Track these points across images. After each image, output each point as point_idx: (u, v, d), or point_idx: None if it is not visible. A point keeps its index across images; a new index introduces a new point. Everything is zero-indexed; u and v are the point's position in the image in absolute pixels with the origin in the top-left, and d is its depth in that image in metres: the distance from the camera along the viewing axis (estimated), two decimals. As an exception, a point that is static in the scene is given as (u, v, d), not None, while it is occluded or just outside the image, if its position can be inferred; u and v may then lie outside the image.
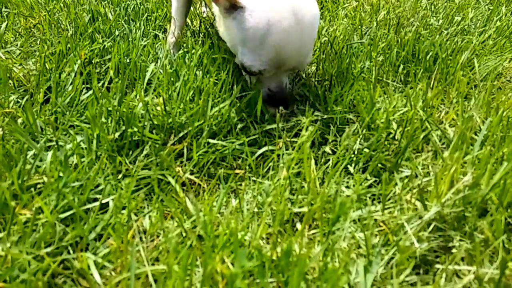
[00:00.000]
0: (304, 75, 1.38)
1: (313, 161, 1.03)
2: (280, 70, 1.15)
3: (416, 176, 1.02)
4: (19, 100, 1.21)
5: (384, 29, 1.62)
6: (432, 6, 1.85)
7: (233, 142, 1.11)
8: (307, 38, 1.12)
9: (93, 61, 1.35)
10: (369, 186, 1.01)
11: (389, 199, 0.96)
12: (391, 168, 1.04)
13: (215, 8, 1.22)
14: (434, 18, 1.68)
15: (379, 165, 1.05)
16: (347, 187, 1.02)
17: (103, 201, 0.89)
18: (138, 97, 1.10)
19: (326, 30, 1.57)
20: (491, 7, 1.86)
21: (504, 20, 1.70)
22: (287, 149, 1.11)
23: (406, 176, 1.00)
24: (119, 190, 0.87)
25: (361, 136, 1.11)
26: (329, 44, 1.46)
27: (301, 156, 1.01)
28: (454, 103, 1.24)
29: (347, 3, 1.93)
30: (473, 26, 1.66)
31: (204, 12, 1.87)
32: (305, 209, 0.83)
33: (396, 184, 0.99)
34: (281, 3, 1.07)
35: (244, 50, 1.12)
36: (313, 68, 1.48)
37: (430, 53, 1.42)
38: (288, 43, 1.07)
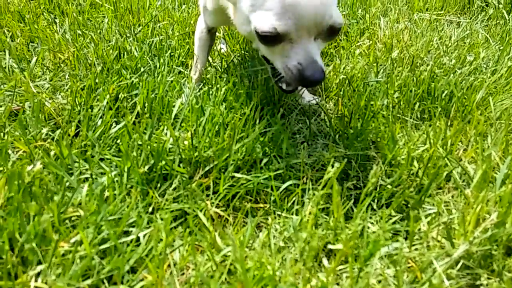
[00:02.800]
0: (323, 111, 1.42)
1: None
2: (301, 32, 1.02)
3: (439, 214, 1.04)
4: (49, 133, 1.25)
5: (399, 67, 1.67)
6: (444, 46, 1.91)
7: (258, 176, 1.14)
8: None
9: (119, 96, 1.39)
10: (393, 223, 1.03)
11: (414, 236, 0.98)
12: (414, 205, 1.06)
13: (231, 10, 1.20)
14: (447, 57, 1.73)
15: (402, 201, 1.08)
16: (371, 223, 1.04)
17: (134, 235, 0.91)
18: (168, 132, 1.14)
19: (344, 68, 1.62)
20: (501, 47, 1.92)
21: (515, 60, 1.75)
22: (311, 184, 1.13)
23: (430, 214, 1.02)
24: (155, 224, 0.89)
25: (383, 173, 1.14)
26: (347, 82, 1.51)
27: (328, 191, 1.03)
28: (472, 141, 1.27)
29: (360, 41, 2.00)
30: (485, 66, 1.71)
31: (222, 49, 1.93)
32: (339, 246, 0.85)
33: (420, 220, 1.00)
34: None
35: (255, 15, 1.04)
36: (332, 104, 1.52)
37: (445, 92, 1.46)
38: None
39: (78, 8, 2.13)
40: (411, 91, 1.49)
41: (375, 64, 1.67)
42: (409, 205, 1.08)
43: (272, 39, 1.03)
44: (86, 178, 1.08)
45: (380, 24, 2.21)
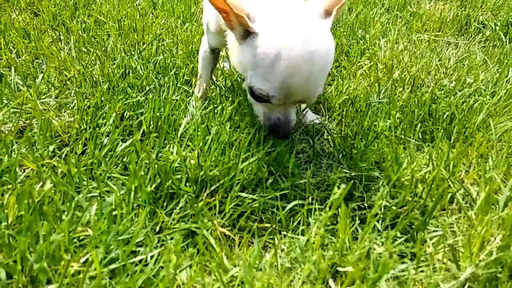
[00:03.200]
0: (327, 131, 1.44)
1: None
2: (287, 101, 1.15)
3: (445, 236, 1.05)
4: (56, 151, 1.26)
5: (401, 87, 1.70)
6: (444, 68, 1.95)
7: (263, 196, 1.15)
8: (317, 71, 1.10)
9: (125, 115, 1.40)
10: (398, 244, 1.04)
11: (420, 258, 0.99)
12: (418, 227, 1.07)
13: (230, 37, 1.24)
14: (447, 79, 1.77)
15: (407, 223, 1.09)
16: (377, 244, 1.05)
17: (142, 254, 0.92)
18: (175, 150, 1.15)
19: (347, 89, 1.65)
20: (499, 69, 1.96)
21: (513, 82, 1.79)
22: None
23: (435, 236, 1.03)
24: (166, 245, 0.90)
25: (387, 194, 1.15)
26: (350, 102, 1.53)
27: (333, 212, 1.04)
28: (474, 163, 1.29)
29: (361, 61, 2.03)
30: (484, 88, 1.75)
31: (225, 67, 1.95)
32: (349, 269, 0.86)
33: (426, 243, 1.02)
34: (295, 31, 1.08)
35: (254, 74, 1.13)
36: (334, 124, 1.54)
37: (447, 113, 1.49)
38: (297, 72, 1.07)
39: (83, 26, 2.16)
40: (412, 112, 1.51)
41: (376, 85, 1.70)
42: (413, 226, 1.09)
43: (261, 99, 1.15)
44: (93, 197, 1.09)
45: (380, 44, 2.25)
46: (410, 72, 1.88)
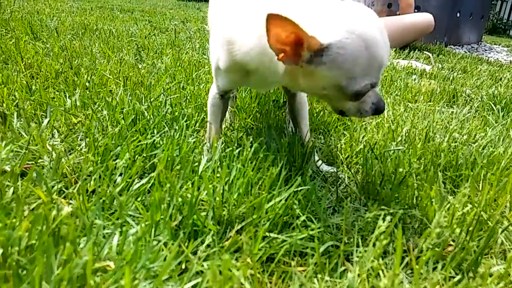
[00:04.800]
0: (352, 175, 1.38)
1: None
2: (379, 75, 1.16)
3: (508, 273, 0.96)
4: (63, 189, 1.15)
5: (418, 138, 1.69)
6: (451, 125, 1.97)
7: (291, 237, 1.06)
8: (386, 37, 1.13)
9: (136, 158, 1.31)
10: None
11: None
12: (468, 267, 0.98)
13: (280, 68, 1.16)
14: (458, 134, 1.77)
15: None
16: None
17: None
18: (201, 184, 1.06)
19: (363, 137, 1.62)
20: (506, 127, 1.99)
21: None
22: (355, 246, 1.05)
23: (491, 274, 0.94)
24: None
25: (429, 234, 1.07)
26: (369, 148, 1.49)
27: (378, 252, 0.94)
28: (508, 207, 1.24)
29: (366, 120, 2.03)
30: (495, 141, 1.75)
31: (227, 120, 1.89)
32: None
33: (484, 280, 0.92)
34: (354, 20, 1.08)
35: (353, 79, 1.09)
36: (353, 171, 1.49)
37: (467, 161, 1.46)
38: (379, 46, 1.08)
39: (87, 85, 2.12)
40: (433, 160, 1.48)
41: (390, 135, 1.68)
42: (462, 267, 1.00)
43: (362, 94, 1.15)
44: (104, 236, 0.96)
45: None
46: (418, 128, 1.89)
